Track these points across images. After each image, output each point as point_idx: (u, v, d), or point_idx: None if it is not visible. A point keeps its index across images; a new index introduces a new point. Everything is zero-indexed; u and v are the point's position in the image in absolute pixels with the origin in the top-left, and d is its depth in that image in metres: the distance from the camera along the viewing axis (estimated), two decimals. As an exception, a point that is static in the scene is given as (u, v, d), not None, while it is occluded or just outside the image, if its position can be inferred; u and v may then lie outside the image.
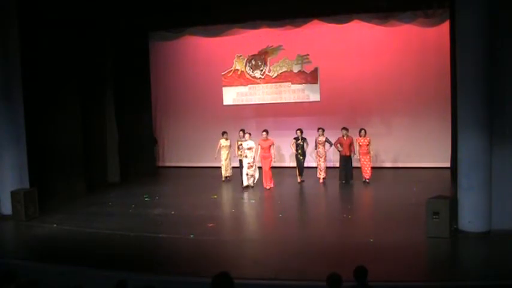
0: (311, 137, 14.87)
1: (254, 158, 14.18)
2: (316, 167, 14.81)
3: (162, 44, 18.16)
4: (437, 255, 8.59)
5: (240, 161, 15.01)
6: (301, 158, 14.71)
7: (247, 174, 14.17)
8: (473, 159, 9.12)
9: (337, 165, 14.94)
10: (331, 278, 5.20)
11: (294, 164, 15.24)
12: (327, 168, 14.75)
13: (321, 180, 14.57)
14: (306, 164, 15.06)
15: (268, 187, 14.04)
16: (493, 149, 9.15)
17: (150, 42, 17.83)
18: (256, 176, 14.41)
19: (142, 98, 17.54)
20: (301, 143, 14.68)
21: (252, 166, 14.18)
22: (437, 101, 15.40)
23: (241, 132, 15.23)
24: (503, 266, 7.74)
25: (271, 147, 14.24)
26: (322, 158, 14.58)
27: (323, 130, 14.60)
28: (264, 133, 14.35)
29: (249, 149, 14.19)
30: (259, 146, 14.26)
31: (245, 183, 14.17)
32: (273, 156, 14.20)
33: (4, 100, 11.67)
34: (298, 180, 14.80)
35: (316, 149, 14.71)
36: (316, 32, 16.54)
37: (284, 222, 11.14)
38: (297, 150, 14.73)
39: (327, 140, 14.56)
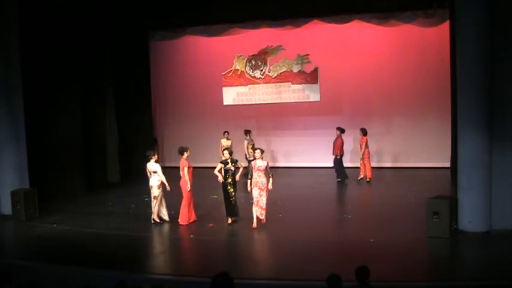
0: (310, 137, 14.73)
1: (163, 185, 10.78)
2: (317, 167, 14.74)
3: (162, 44, 18.16)
4: (437, 255, 8.60)
5: (249, 162, 14.99)
6: (231, 190, 10.44)
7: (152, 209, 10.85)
8: (473, 159, 9.13)
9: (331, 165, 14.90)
10: (331, 278, 5.20)
11: (289, 164, 14.90)
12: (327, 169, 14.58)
13: (262, 217, 10.30)
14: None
15: (182, 223, 10.60)
16: (493, 149, 9.16)
17: (150, 42, 17.85)
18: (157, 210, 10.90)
19: (142, 98, 17.56)
20: (232, 169, 10.48)
21: (157, 197, 10.79)
22: (437, 101, 15.36)
23: (248, 135, 15.34)
24: (503, 265, 7.74)
25: (192, 170, 10.65)
26: (263, 189, 10.21)
27: (262, 151, 10.40)
28: (185, 153, 10.74)
29: (154, 172, 10.81)
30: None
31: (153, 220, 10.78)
32: (188, 184, 10.59)
33: (4, 100, 11.70)
34: (229, 222, 10.59)
35: (251, 178, 10.29)
36: (316, 32, 16.54)
37: (284, 222, 11.14)
38: (225, 178, 10.43)
39: (267, 169, 10.26)
